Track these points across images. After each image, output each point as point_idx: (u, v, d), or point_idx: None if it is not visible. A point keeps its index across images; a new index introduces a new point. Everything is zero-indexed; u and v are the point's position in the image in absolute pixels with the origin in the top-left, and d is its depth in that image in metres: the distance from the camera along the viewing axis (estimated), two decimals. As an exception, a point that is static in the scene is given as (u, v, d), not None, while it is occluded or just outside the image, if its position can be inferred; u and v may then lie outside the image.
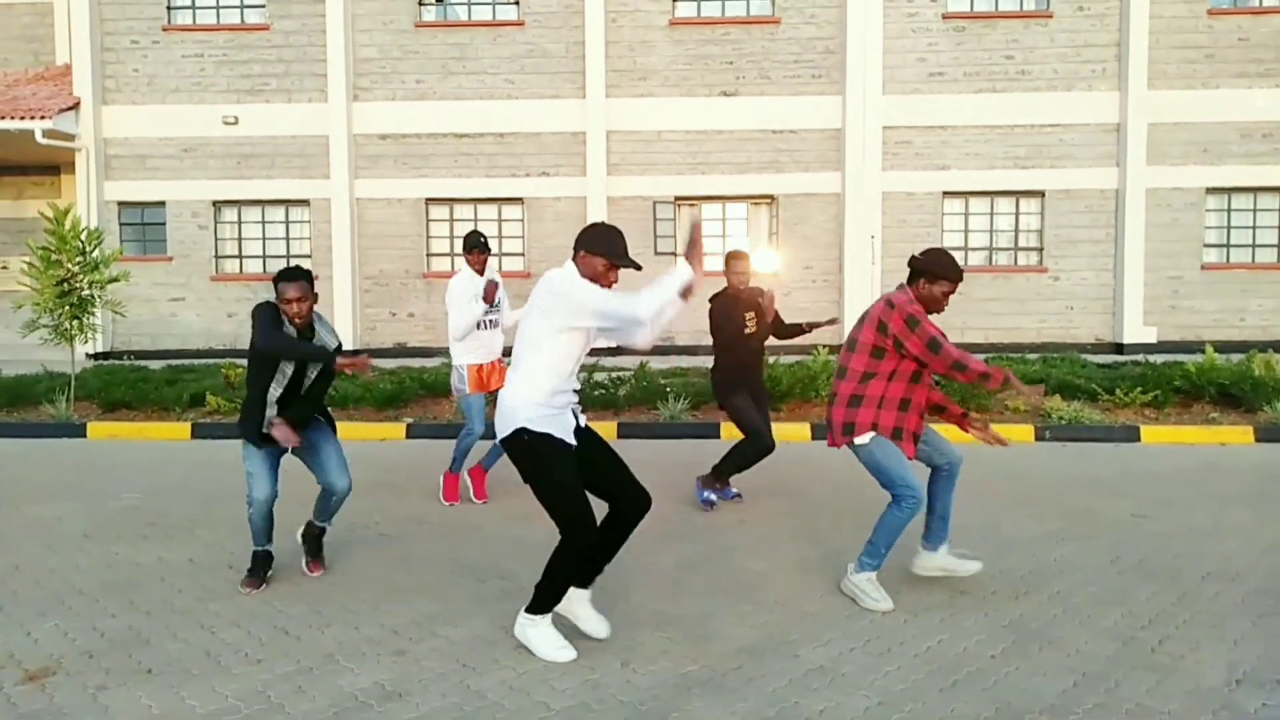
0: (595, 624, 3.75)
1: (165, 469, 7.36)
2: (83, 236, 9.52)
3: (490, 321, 6.11)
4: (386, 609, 4.17)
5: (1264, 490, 6.36)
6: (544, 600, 3.61)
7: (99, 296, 9.64)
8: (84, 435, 8.86)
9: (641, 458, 7.31)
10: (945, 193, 15.42)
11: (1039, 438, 8.46)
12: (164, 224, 16.03)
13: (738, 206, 15.86)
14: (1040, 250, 15.43)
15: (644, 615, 4.05)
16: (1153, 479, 6.77)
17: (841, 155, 15.34)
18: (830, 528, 5.53)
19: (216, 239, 16.13)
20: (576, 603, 3.76)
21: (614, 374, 10.36)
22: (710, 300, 6.06)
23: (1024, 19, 15.20)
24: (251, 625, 3.98)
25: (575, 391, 3.64)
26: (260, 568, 4.54)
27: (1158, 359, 11.68)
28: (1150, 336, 15.08)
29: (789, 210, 15.58)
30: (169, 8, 15.75)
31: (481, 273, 6.07)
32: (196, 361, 13.57)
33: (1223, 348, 12.26)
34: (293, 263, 16.04)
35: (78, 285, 9.43)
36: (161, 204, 15.96)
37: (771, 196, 15.65)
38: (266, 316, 4.30)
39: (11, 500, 6.35)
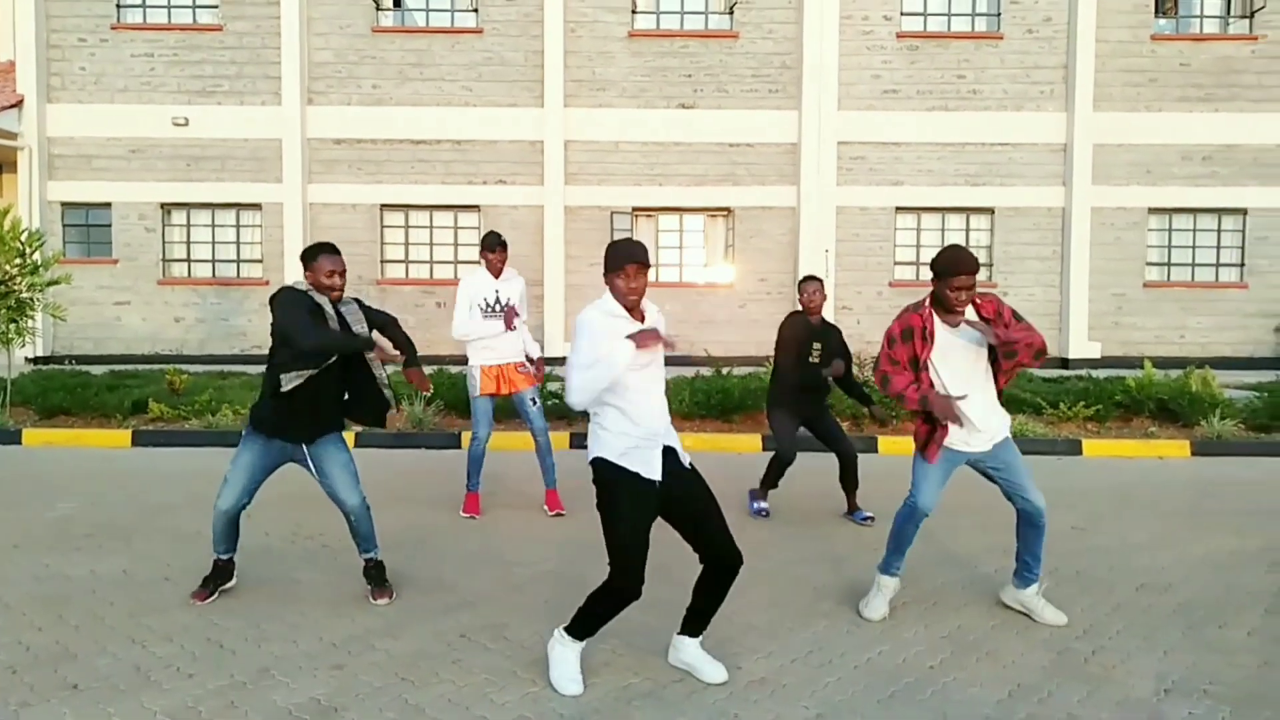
0: (710, 671, 3.50)
1: (103, 478, 7.17)
2: (23, 238, 9.26)
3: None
4: (327, 623, 4.10)
5: (1198, 504, 6.53)
6: (577, 626, 3.42)
7: (38, 300, 9.38)
8: (18, 442, 8.59)
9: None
10: (898, 208, 15.67)
11: (985, 451, 8.58)
12: (110, 225, 15.68)
13: (695, 219, 15.95)
14: (990, 266, 15.72)
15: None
16: (1092, 492, 6.92)
17: (797, 170, 15.51)
18: (778, 540, 5.55)
19: (164, 242, 15.82)
20: (684, 651, 3.57)
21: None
22: (785, 319, 6.08)
23: (975, 40, 15.53)
24: (185, 640, 3.89)
25: (662, 428, 3.38)
26: (214, 579, 4.40)
27: (1101, 374, 11.95)
28: (1095, 352, 15.44)
29: (745, 223, 15.70)
30: (118, 6, 15.45)
31: (497, 274, 5.94)
32: (141, 367, 13.26)
33: (1163, 363, 12.61)
34: (242, 268, 15.84)
35: (15, 288, 9.17)
36: (107, 205, 15.61)
37: (728, 209, 15.76)
38: (299, 305, 3.97)
39: (-61, 509, 6.15)
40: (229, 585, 4.47)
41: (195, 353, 15.46)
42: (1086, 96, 15.29)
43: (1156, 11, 15.55)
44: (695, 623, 3.53)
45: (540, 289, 15.58)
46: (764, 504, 6.18)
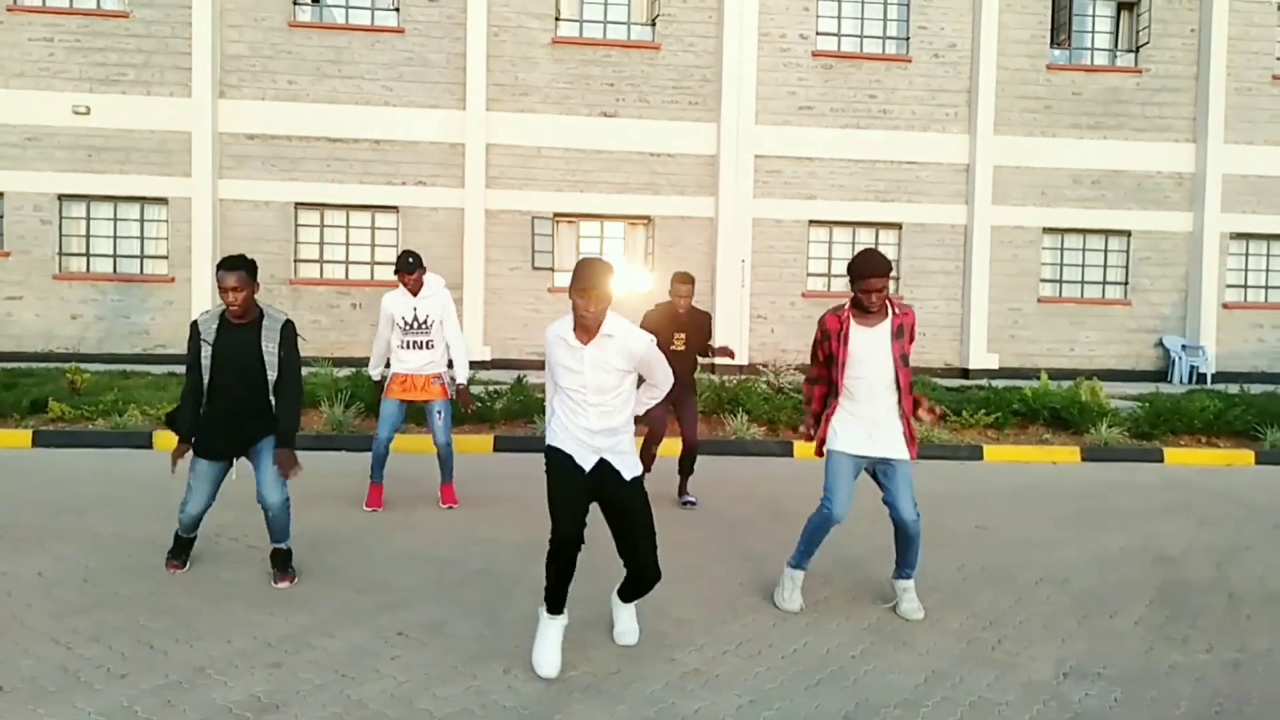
0: (621, 627, 3.93)
1: (3, 479, 6.88)
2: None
3: (415, 343, 6.05)
4: (260, 621, 4.08)
5: (1088, 506, 7.00)
6: (546, 597, 3.64)
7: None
8: (-93, 442, 8.16)
9: (518, 471, 7.38)
10: (811, 221, 16.16)
11: (894, 455, 8.98)
12: (2, 216, 14.91)
13: (615, 226, 16.12)
14: (897, 280, 16.35)
15: (529, 623, 4.12)
16: (993, 494, 7.33)
17: (716, 181, 15.85)
18: (717, 536, 5.74)
19: (61, 235, 15.14)
20: (615, 605, 3.99)
21: (490, 387, 10.34)
22: (646, 314, 6.32)
23: (886, 61, 16.16)
24: (113, 640, 3.82)
25: (610, 433, 3.67)
26: (185, 548, 4.74)
27: (1000, 383, 12.58)
28: (993, 363, 16.22)
29: (664, 232, 15.96)
30: (15, -14, 14.74)
31: (415, 293, 5.98)
32: (35, 365, 12.68)
33: (1056, 375, 13.37)
34: (146, 264, 15.29)
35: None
36: (0, 195, 14.86)
37: (648, 218, 15.99)
38: (191, 338, 4.46)
39: None
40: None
41: (93, 351, 14.80)
42: (988, 120, 16.09)
43: (1052, 42, 16.49)
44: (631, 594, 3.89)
45: (460, 292, 15.45)
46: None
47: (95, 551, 5.03)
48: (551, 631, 3.63)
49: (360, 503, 6.31)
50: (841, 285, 16.34)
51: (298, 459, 4.45)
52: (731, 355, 6.57)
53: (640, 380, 3.86)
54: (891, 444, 4.20)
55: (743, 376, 11.90)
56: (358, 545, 5.36)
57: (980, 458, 9.05)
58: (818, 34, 16.11)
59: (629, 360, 3.62)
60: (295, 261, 15.49)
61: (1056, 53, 16.69)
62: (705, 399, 9.90)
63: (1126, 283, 16.77)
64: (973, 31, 16.14)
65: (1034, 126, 16.37)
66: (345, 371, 11.39)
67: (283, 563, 4.64)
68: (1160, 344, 16.67)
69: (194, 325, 4.44)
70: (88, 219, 15.23)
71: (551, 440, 3.70)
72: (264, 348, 4.37)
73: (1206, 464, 9.05)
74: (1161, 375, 16.43)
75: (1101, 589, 4.86)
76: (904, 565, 4.38)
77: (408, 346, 6.04)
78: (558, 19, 15.77)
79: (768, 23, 15.86)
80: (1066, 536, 5.97)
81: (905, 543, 4.29)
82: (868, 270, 4.08)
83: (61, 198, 15.03)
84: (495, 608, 4.32)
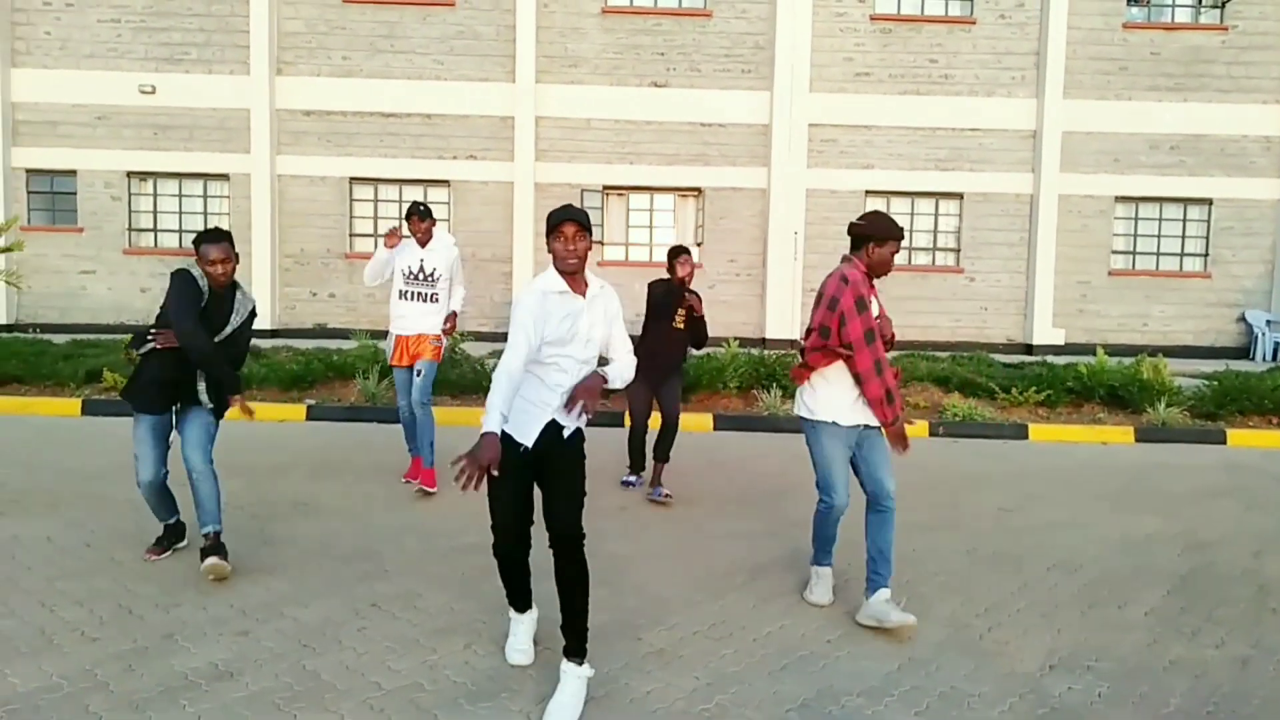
0: (558, 700, 3.10)
1: (45, 445, 7.16)
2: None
3: (419, 294, 5.95)
4: (239, 589, 4.13)
5: (1129, 487, 6.64)
6: (506, 595, 3.50)
7: (-9, 266, 9.31)
8: (-36, 410, 8.56)
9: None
10: (868, 191, 15.68)
11: (932, 433, 8.69)
12: (75, 194, 15.51)
13: (665, 198, 15.92)
14: (957, 251, 15.80)
15: (499, 598, 4.08)
16: (1030, 475, 7.01)
17: (768, 151, 15.50)
18: (706, 514, 5.62)
19: (130, 211, 15.67)
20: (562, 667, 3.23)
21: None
22: (651, 284, 6.13)
23: (948, 24, 15.51)
24: (95, 604, 3.91)
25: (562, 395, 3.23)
26: (166, 538, 4.66)
27: (1062, 360, 12.04)
28: (1059, 339, 15.56)
29: (715, 204, 15.70)
30: (84, -30, 15.21)
31: (423, 243, 5.96)
32: (105, 337, 13.18)
33: (1127, 351, 12.69)
34: (210, 238, 15.70)
35: (-34, 254, 9.10)
36: (73, 173, 15.43)
37: (698, 189, 15.74)
38: (187, 295, 4.21)
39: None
40: (182, 544, 4.70)
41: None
42: (1057, 84, 15.32)
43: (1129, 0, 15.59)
44: (569, 640, 3.17)
45: (509, 265, 15.55)
46: (632, 478, 6.31)
47: (104, 516, 5.17)
48: (521, 628, 3.50)
49: (379, 474, 6.36)
50: (898, 259, 15.82)
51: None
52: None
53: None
54: (867, 410, 3.89)
55: (790, 351, 11.65)
56: (359, 516, 5.40)
57: (1025, 437, 8.67)
58: (876, -3, 15.55)
59: (607, 321, 3.37)
60: (350, 236, 15.74)
61: (1134, 10, 15.76)
62: (742, 374, 9.73)
63: (1207, 254, 15.84)
64: (1042, -10, 15.34)
65: (1108, 89, 15.52)
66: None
67: (214, 549, 4.25)
68: (1243, 319, 15.74)
69: (194, 278, 4.22)
70: (154, 195, 15.73)
71: (492, 427, 2.97)
72: (231, 318, 4.38)
73: (1273, 447, 8.49)
74: (1244, 352, 15.52)
75: (1117, 576, 4.59)
76: (884, 565, 3.87)
77: (408, 298, 5.95)
78: (608, -12, 15.57)
79: (824, -14, 15.37)
80: (1093, 520, 5.66)
81: (883, 528, 3.90)
82: (897, 231, 3.92)
83: (130, 175, 15.55)
84: (474, 582, 4.29)
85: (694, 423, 8.77)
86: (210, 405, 4.42)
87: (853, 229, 3.98)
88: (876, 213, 4.00)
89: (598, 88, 15.48)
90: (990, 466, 7.33)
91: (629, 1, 15.66)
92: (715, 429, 8.73)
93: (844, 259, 4.00)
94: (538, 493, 3.27)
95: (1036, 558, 4.86)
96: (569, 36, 15.44)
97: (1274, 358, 14.99)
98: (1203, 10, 15.81)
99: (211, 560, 4.19)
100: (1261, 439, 8.61)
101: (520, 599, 3.48)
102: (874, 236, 3.89)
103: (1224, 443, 8.60)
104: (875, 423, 3.90)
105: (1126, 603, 4.22)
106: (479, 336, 13.39)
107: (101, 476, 6.09)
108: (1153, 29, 15.54)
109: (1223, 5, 15.48)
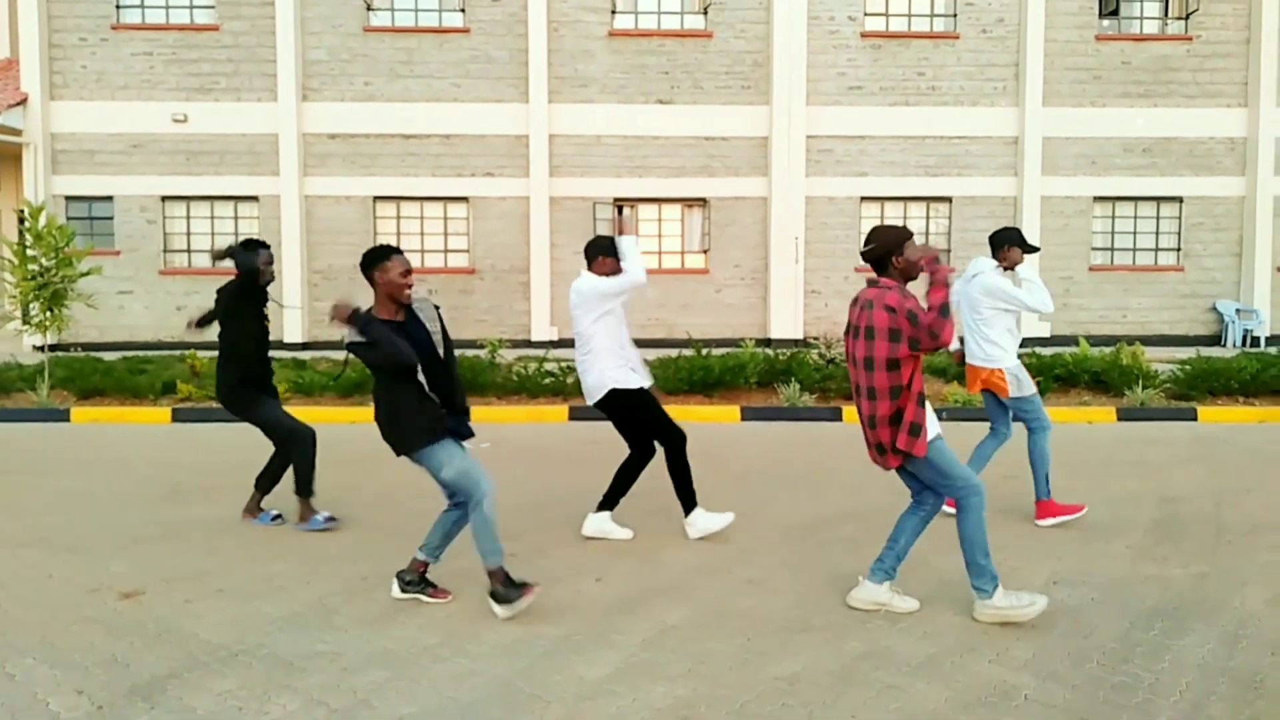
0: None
1: (159, 448, 8.04)
2: (55, 232, 10.04)
3: None
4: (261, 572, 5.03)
5: (1112, 458, 7.63)
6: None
7: (72, 289, 10.17)
8: (67, 420, 9.42)
9: (590, 436, 8.28)
10: (863, 198, 16.72)
11: (938, 417, 9.66)
12: (112, 218, 16.34)
13: (672, 208, 16.90)
14: (949, 252, 16.83)
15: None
16: (1024, 450, 7.96)
17: (768, 162, 16.50)
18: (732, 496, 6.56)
19: (165, 233, 16.51)
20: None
21: (562, 364, 11.27)
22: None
23: (934, 39, 16.58)
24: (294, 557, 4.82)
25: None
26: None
27: (1048, 351, 13.06)
28: (1045, 331, 16.60)
29: (720, 213, 16.69)
30: (118, 6, 16.07)
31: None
32: (149, 353, 14.02)
33: (1108, 341, 13.77)
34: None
35: (52, 280, 9.96)
36: (109, 198, 16.27)
37: (704, 199, 16.73)
38: (382, 327, 4.01)
39: (33, 474, 7.00)
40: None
41: (195, 340, 16.11)
42: (1036, 93, 16.40)
43: (1100, 12, 16.69)
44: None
45: (526, 275, 16.48)
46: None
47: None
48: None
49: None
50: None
51: None
52: None
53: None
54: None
55: (796, 350, 12.62)
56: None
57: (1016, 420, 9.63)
58: (866, 15, 16.59)
59: None
60: (376, 251, 16.60)
61: (1105, 22, 16.88)
62: (759, 370, 10.69)
63: (1179, 249, 16.97)
64: (1020, 5, 16.43)
65: (1083, 97, 16.63)
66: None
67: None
68: (1214, 309, 16.86)
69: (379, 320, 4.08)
70: (188, 218, 16.58)
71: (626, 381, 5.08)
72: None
73: (1239, 422, 9.53)
74: (1216, 340, 16.64)
75: (1103, 522, 5.57)
76: (900, 560, 4.16)
77: None
78: (614, 12, 16.54)
79: (816, 6, 16.39)
80: (1083, 484, 6.63)
81: (921, 525, 4.24)
82: (905, 231, 3.97)
83: (164, 199, 16.39)
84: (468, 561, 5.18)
85: (721, 414, 9.74)
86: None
87: (869, 255, 3.99)
88: (876, 229, 4.03)
89: (607, 106, 16.45)
90: (971, 440, 8.28)
91: (634, 24, 16.65)
92: (742, 420, 9.69)
93: (871, 284, 3.97)
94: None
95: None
96: (578, 58, 16.41)
97: (1243, 344, 16.10)
98: (1169, 22, 16.95)
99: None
100: (1228, 415, 9.65)
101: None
102: (892, 251, 3.94)
103: (1195, 419, 9.63)
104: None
105: (1111, 539, 5.20)
106: (504, 344, 14.29)
107: (240, 468, 6.77)
108: (1123, 40, 16.66)
109: (1187, 17, 16.62)
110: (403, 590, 4.30)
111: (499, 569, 4.02)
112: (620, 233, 5.26)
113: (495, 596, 4.02)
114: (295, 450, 5.56)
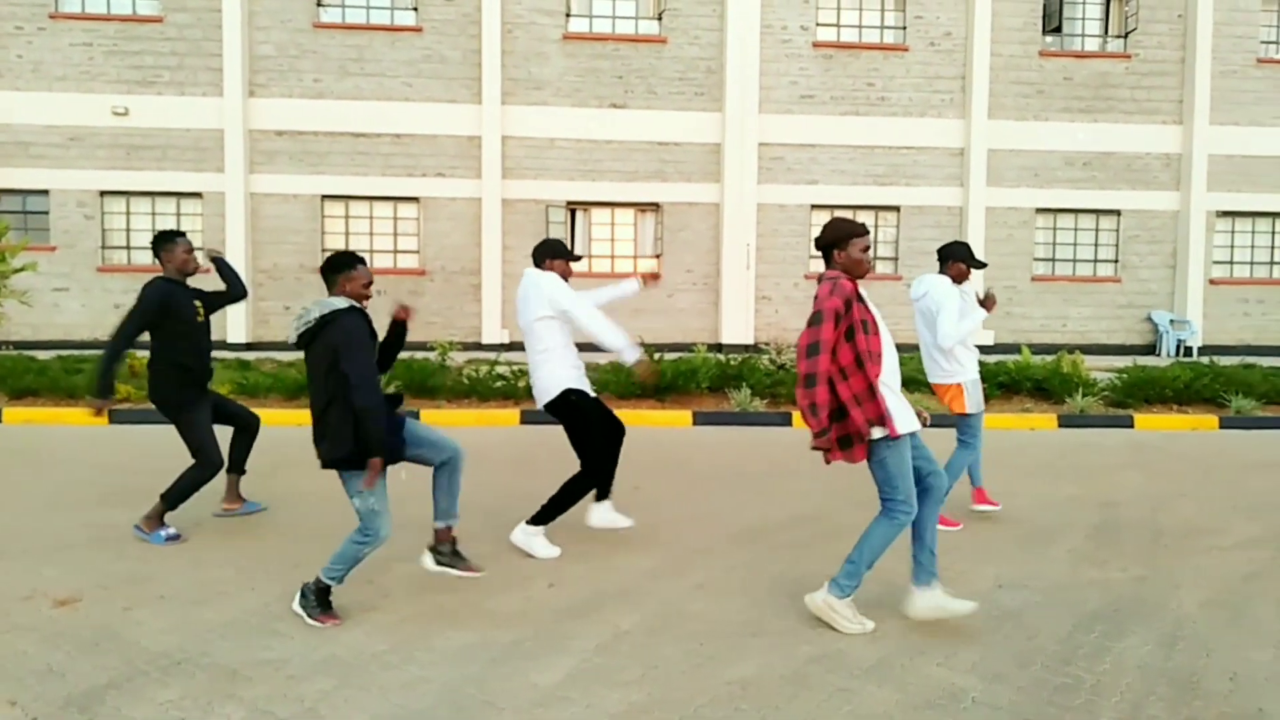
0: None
1: (102, 449, 7.80)
2: (-14, 227, 9.71)
3: None
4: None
5: (1053, 463, 7.82)
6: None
7: (4, 285, 9.83)
8: (-2, 421, 9.10)
9: (544, 441, 8.23)
10: (813, 205, 16.92)
11: (884, 423, 9.80)
12: (48, 212, 15.85)
13: (625, 213, 16.93)
14: (896, 260, 17.11)
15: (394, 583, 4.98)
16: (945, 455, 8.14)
17: (721, 168, 16.62)
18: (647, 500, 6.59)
19: (104, 229, 16.05)
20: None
21: (514, 367, 11.21)
22: None
23: (883, 51, 16.86)
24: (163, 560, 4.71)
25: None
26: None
27: (992, 359, 13.35)
28: (989, 339, 16.98)
29: (672, 218, 16.75)
30: (56, -6, 15.60)
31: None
32: (85, 353, 13.59)
33: (1048, 349, 14.12)
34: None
35: (-18, 275, 9.62)
36: (45, 192, 15.78)
37: (657, 204, 16.78)
38: (363, 334, 4.05)
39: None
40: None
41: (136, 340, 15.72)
42: (982, 106, 16.78)
43: (1044, 29, 17.14)
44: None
45: (478, 278, 16.35)
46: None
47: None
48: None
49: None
50: (842, 266, 17.10)
51: None
52: None
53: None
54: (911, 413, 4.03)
55: (747, 355, 12.71)
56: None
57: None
58: (818, 25, 16.81)
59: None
60: (322, 251, 16.35)
61: (1049, 39, 17.33)
62: (711, 375, 10.74)
63: (1117, 260, 17.48)
64: (967, 20, 16.80)
65: (1027, 111, 17.05)
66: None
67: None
68: (1149, 319, 17.39)
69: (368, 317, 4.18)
70: (128, 214, 16.14)
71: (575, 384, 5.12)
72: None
73: (1173, 429, 9.84)
74: (1151, 349, 17.17)
75: (1045, 527, 5.70)
76: (929, 554, 4.08)
77: None
78: (568, 15, 16.52)
79: (769, 15, 16.57)
80: (1024, 488, 6.80)
81: (933, 511, 4.16)
82: (860, 228, 3.93)
83: (103, 194, 15.94)
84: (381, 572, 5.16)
85: (673, 419, 9.76)
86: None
87: (818, 244, 4.03)
88: (833, 219, 4.02)
89: (560, 109, 16.41)
90: (936, 448, 8.43)
91: (589, 28, 16.65)
92: (694, 424, 9.72)
93: (819, 279, 3.94)
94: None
95: (981, 516, 5.95)
96: (532, 61, 16.36)
97: (1177, 353, 16.64)
98: (1109, 40, 17.46)
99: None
100: (1163, 422, 9.96)
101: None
102: (835, 242, 3.93)
103: (1132, 426, 9.91)
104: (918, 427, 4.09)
105: (1052, 544, 5.33)
106: (454, 347, 14.16)
107: (180, 471, 6.67)
108: (1065, 56, 17.12)
109: (1126, 35, 17.14)
110: (436, 564, 4.47)
111: (327, 586, 4.02)
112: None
113: (304, 595, 4.02)
114: (193, 471, 5.32)
